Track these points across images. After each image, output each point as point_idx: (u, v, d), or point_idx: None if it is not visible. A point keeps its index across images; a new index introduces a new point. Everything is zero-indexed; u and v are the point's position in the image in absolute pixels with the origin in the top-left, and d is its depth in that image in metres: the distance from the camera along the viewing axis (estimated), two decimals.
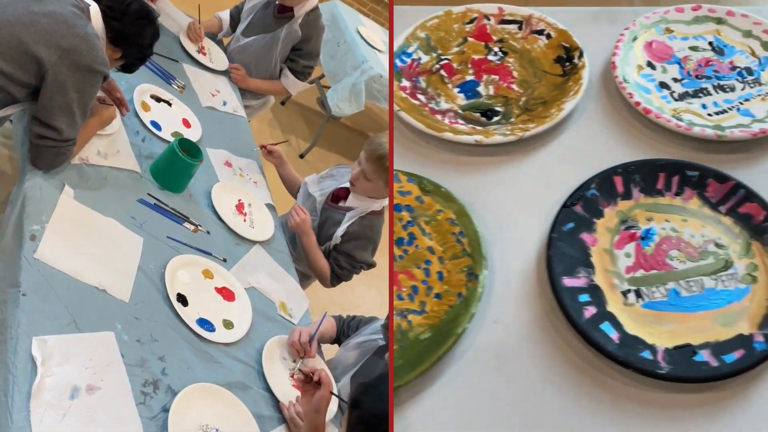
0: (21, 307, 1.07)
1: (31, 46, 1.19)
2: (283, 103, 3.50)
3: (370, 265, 1.73)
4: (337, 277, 1.73)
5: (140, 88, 1.70)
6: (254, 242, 1.63)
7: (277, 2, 2.08)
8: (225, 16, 2.26)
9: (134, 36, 1.39)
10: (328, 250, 1.72)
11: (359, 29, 3.32)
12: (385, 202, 1.67)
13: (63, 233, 1.23)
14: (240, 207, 1.69)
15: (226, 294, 1.43)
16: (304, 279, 1.74)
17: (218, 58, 2.14)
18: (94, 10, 1.33)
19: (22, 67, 1.20)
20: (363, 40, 3.27)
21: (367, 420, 0.94)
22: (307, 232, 1.68)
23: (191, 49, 2.06)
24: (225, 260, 1.51)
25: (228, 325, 1.37)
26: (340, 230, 1.68)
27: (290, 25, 2.07)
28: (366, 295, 2.72)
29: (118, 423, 1.05)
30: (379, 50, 3.30)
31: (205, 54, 2.10)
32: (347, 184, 1.70)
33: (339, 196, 1.71)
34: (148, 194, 1.47)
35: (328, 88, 3.24)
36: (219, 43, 2.24)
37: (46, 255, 1.17)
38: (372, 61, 3.10)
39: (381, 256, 1.56)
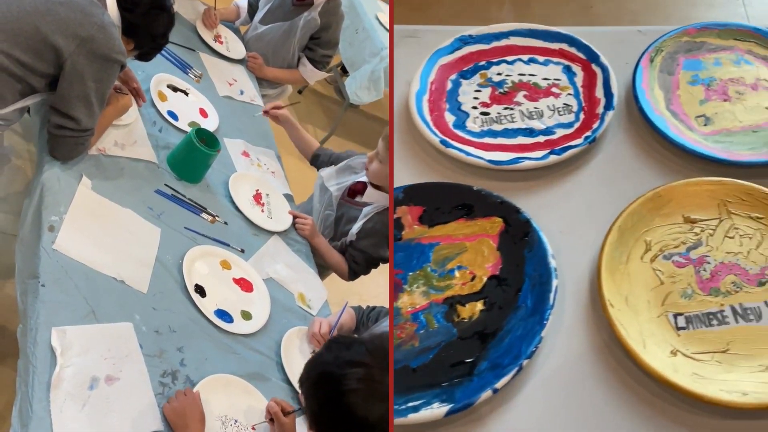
0: (40, 297, 1.08)
1: (49, 35, 1.18)
2: (300, 92, 3.48)
3: (386, 261, 1.71)
4: (354, 272, 1.72)
5: (157, 77, 1.69)
6: (272, 233, 1.62)
7: None
8: (243, 3, 2.24)
9: (146, 26, 1.37)
10: (344, 245, 1.70)
11: (378, 15, 3.27)
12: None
13: (81, 224, 1.23)
14: (258, 197, 1.67)
15: (244, 285, 1.43)
16: (321, 270, 1.73)
17: (235, 47, 2.13)
18: None
19: (41, 57, 1.19)
20: (382, 26, 3.22)
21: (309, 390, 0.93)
22: (316, 234, 1.68)
23: (208, 37, 2.04)
24: (243, 251, 1.50)
25: (246, 316, 1.36)
26: (356, 227, 1.65)
27: (309, 13, 2.04)
28: (385, 284, 2.70)
29: (137, 413, 1.05)
30: None
31: (222, 43, 2.09)
32: (364, 178, 1.67)
33: (356, 190, 1.69)
34: (166, 185, 1.47)
35: (347, 75, 3.21)
36: (236, 31, 2.23)
37: (64, 246, 1.17)
38: None
39: None
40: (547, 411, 0.84)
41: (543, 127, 1.11)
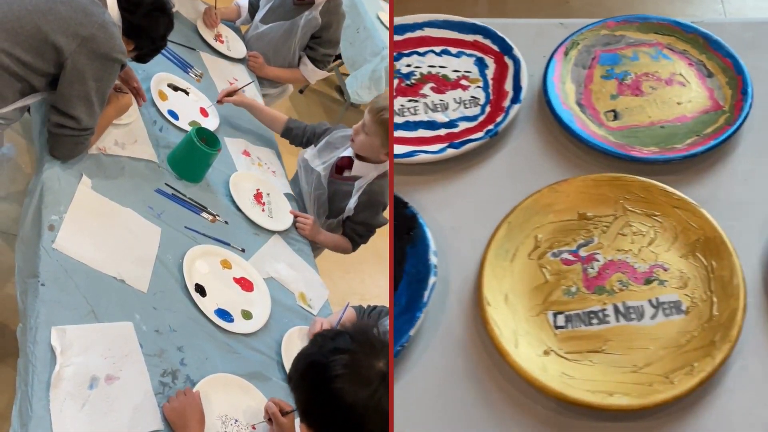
0: (40, 297, 1.07)
1: (50, 34, 1.18)
2: (301, 92, 3.48)
3: (383, 225, 1.77)
4: (356, 244, 1.78)
5: (157, 77, 1.69)
6: (273, 232, 1.61)
7: None
8: (244, 3, 2.23)
9: (147, 28, 1.38)
10: (341, 221, 1.75)
11: (379, 14, 3.27)
12: (386, 166, 1.67)
13: (81, 223, 1.23)
14: (258, 196, 1.67)
15: (245, 284, 1.42)
16: (314, 248, 1.74)
17: (236, 47, 2.13)
18: None
19: (41, 55, 1.19)
20: (383, 25, 3.22)
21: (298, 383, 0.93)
22: (318, 232, 1.70)
23: (208, 37, 2.04)
24: (243, 250, 1.50)
25: (247, 315, 1.36)
26: (352, 202, 1.68)
27: (310, 12, 2.04)
28: (385, 284, 2.70)
29: (137, 413, 1.05)
30: None
31: (222, 42, 2.08)
32: (348, 152, 1.68)
33: (342, 166, 1.70)
34: (166, 184, 1.47)
35: (347, 75, 3.21)
36: (237, 30, 2.22)
37: (64, 245, 1.17)
38: None
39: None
40: (417, 409, 0.83)
41: (446, 120, 1.09)
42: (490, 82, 1.13)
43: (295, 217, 1.69)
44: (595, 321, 0.87)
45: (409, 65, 1.16)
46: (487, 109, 1.10)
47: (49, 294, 1.09)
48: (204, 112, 1.76)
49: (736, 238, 0.92)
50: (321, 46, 2.11)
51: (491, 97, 1.11)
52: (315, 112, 3.48)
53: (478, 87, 1.13)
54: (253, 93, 2.04)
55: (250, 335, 1.33)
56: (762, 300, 0.90)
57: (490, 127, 1.06)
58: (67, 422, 0.97)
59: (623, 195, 0.96)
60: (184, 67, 1.84)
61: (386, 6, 3.47)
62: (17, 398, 1.00)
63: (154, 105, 1.62)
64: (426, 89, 1.13)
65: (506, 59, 1.14)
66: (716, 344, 0.82)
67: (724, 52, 1.13)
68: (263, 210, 1.65)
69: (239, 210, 1.59)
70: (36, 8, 1.19)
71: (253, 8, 2.22)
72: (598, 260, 0.92)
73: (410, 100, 1.12)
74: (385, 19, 3.27)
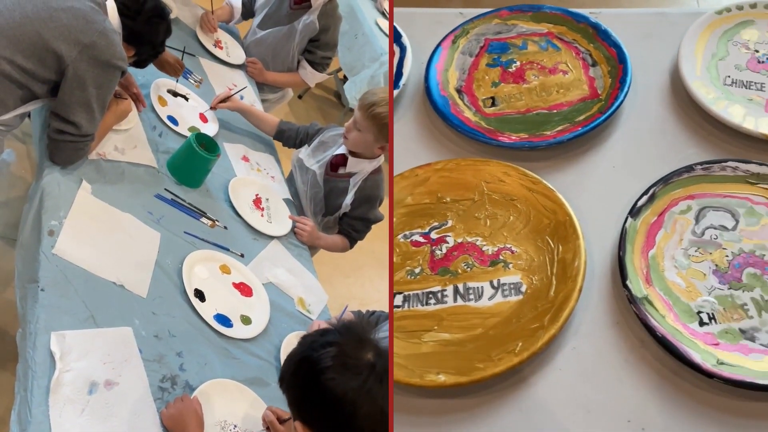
0: (40, 302, 1.08)
1: (51, 41, 1.19)
2: (300, 97, 3.49)
3: (380, 220, 1.78)
4: (354, 240, 1.78)
5: (157, 82, 1.70)
6: (272, 237, 1.62)
7: None
8: (237, 2, 2.22)
9: (148, 34, 1.39)
10: (338, 218, 1.76)
11: (377, 21, 3.28)
12: (381, 160, 1.69)
13: (81, 228, 1.23)
14: (257, 202, 1.68)
15: (244, 289, 1.43)
16: (310, 248, 1.74)
17: (235, 52, 2.13)
18: (111, 6, 1.33)
19: (43, 63, 1.20)
20: (381, 31, 3.23)
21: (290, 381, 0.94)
22: (317, 237, 1.71)
23: (208, 43, 2.05)
24: (242, 255, 1.50)
25: (246, 320, 1.36)
26: (349, 198, 1.69)
27: (308, 17, 2.04)
28: (385, 288, 2.70)
29: (136, 418, 1.05)
30: None
31: (221, 48, 2.09)
32: (341, 150, 1.69)
33: (337, 163, 1.71)
34: (165, 189, 1.47)
35: (345, 80, 3.22)
36: (236, 36, 2.23)
37: (64, 250, 1.17)
38: None
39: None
40: None
41: None
42: None
43: (294, 222, 1.69)
44: (432, 301, 0.90)
45: None
46: None
47: (49, 299, 1.09)
48: (203, 118, 1.77)
49: (593, 223, 0.96)
50: (319, 49, 2.12)
51: None
52: (314, 117, 3.49)
53: None
54: (252, 99, 2.04)
55: (250, 340, 1.33)
56: (604, 284, 0.93)
57: None
58: (66, 427, 0.97)
59: (484, 179, 0.99)
60: (184, 73, 1.85)
61: (386, 12, 3.48)
62: (16, 403, 1.00)
63: (154, 111, 1.63)
64: None
65: (395, 46, 1.19)
66: (545, 325, 0.85)
67: (610, 42, 1.16)
68: (262, 215, 1.65)
69: (238, 215, 1.59)
70: (37, 16, 1.20)
71: (246, 9, 2.21)
72: (447, 242, 0.94)
73: None
74: (384, 25, 3.29)
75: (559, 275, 0.89)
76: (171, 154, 1.55)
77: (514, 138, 1.04)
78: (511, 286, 0.89)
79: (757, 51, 1.14)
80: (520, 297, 0.88)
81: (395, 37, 1.19)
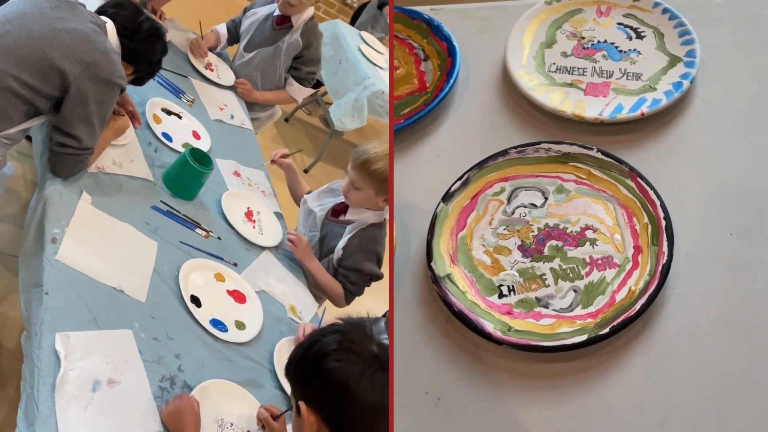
0: (44, 305, 1.12)
1: (56, 60, 1.26)
2: (287, 120, 3.58)
3: (378, 277, 1.73)
4: (350, 293, 1.73)
5: (151, 101, 1.77)
6: (263, 248, 1.68)
7: (275, 15, 2.16)
8: (222, 29, 2.30)
9: (145, 53, 1.46)
10: (331, 265, 1.72)
11: (360, 47, 3.41)
12: (385, 214, 1.67)
13: (82, 236, 1.28)
14: (249, 214, 1.74)
15: (238, 296, 1.48)
16: (316, 295, 1.72)
17: (225, 74, 2.22)
18: (110, 27, 1.40)
19: (47, 80, 1.26)
20: (365, 57, 3.35)
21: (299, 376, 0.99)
22: (309, 254, 1.69)
23: (199, 65, 2.13)
24: (236, 264, 1.56)
25: (240, 326, 1.42)
26: (342, 242, 1.68)
27: (291, 36, 2.15)
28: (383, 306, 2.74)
29: (138, 415, 1.09)
30: (380, 67, 3.38)
31: (212, 70, 2.17)
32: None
33: (339, 210, 1.72)
34: (161, 201, 1.53)
35: (330, 104, 3.32)
36: (226, 59, 2.32)
37: (66, 257, 1.22)
38: (374, 78, 3.18)
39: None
40: None
41: None
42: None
43: (288, 236, 1.69)
44: None
45: None
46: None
47: (53, 302, 1.14)
48: (196, 135, 1.83)
49: (414, 211, 1.04)
50: (304, 65, 2.21)
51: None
52: (300, 140, 3.58)
53: None
54: (242, 118, 2.12)
55: (244, 344, 1.38)
56: (416, 267, 1.02)
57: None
58: (71, 422, 1.01)
59: None
60: (177, 93, 1.93)
61: (368, 37, 3.61)
62: (23, 401, 1.04)
63: (149, 128, 1.70)
64: None
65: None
66: None
67: (441, 36, 1.21)
68: (254, 227, 1.71)
69: (231, 227, 1.65)
70: (43, 36, 1.27)
71: (231, 34, 2.29)
72: None
73: None
74: (367, 51, 3.40)
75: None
76: (166, 169, 1.61)
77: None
78: None
79: (582, 38, 1.19)
80: None
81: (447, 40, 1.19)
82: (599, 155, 1.04)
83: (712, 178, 1.01)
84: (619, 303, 0.90)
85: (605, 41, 1.18)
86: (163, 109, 1.80)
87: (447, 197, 1.03)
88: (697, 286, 0.92)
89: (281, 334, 1.49)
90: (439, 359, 0.92)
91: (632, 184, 1.00)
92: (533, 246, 0.97)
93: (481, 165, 1.06)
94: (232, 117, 2.07)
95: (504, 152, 1.06)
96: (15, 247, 1.80)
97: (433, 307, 0.98)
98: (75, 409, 1.03)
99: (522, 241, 0.98)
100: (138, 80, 1.53)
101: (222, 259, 1.54)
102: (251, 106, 2.22)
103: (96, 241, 1.30)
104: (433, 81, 1.14)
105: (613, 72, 1.15)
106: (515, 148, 1.06)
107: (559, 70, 1.16)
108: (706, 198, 0.99)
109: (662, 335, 0.89)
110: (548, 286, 0.93)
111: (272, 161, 1.86)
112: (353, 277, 1.69)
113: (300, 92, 2.26)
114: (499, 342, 0.89)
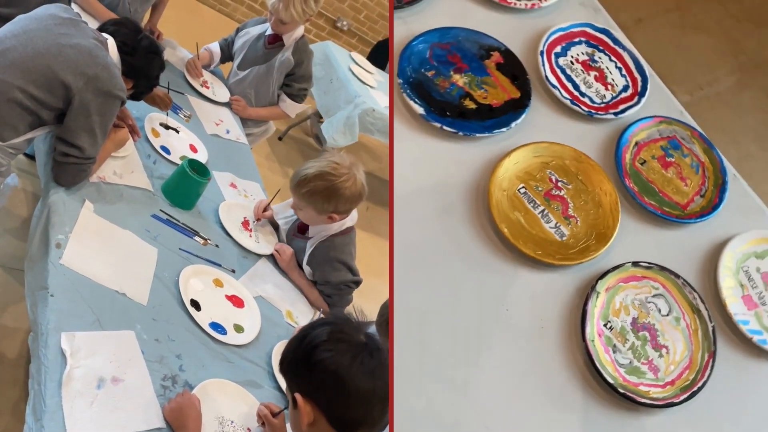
0: (50, 306, 1.16)
1: (60, 73, 1.31)
2: (280, 139, 3.64)
3: (356, 282, 1.73)
4: (332, 305, 1.73)
5: (150, 116, 1.82)
6: (260, 256, 1.72)
7: (267, 34, 2.24)
8: (215, 48, 2.36)
9: (144, 68, 1.53)
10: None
11: (350, 67, 3.50)
12: (349, 222, 1.70)
13: (85, 242, 1.32)
14: (245, 224, 1.78)
15: (236, 301, 1.52)
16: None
17: (220, 91, 2.28)
18: (111, 43, 1.46)
19: (52, 92, 1.32)
20: (355, 76, 3.44)
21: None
22: (292, 266, 1.71)
23: (195, 83, 2.20)
24: (233, 271, 1.60)
25: (239, 329, 1.45)
26: (304, 260, 1.71)
27: (283, 54, 2.22)
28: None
29: (141, 411, 1.13)
30: (370, 86, 3.47)
31: (208, 87, 2.24)
32: None
33: (303, 227, 1.74)
34: (161, 210, 1.57)
35: (322, 122, 3.39)
36: (221, 77, 2.39)
37: (70, 261, 1.26)
38: (364, 96, 3.26)
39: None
40: None
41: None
42: None
43: (275, 245, 1.75)
44: None
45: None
46: None
47: (58, 304, 1.17)
48: (193, 148, 1.89)
49: None
50: (296, 81, 2.28)
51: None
52: (293, 158, 3.64)
53: None
54: (237, 133, 2.18)
55: (243, 347, 1.42)
56: None
57: None
58: (77, 417, 1.04)
59: None
60: (174, 108, 1.98)
61: (358, 59, 3.70)
62: (30, 398, 1.07)
63: (148, 141, 1.75)
64: None
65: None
66: None
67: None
68: (251, 236, 1.76)
69: (228, 235, 1.69)
70: (47, 51, 1.33)
71: (224, 53, 2.36)
72: None
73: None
74: (357, 71, 3.49)
75: None
76: (165, 180, 1.66)
77: None
78: None
79: None
80: None
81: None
82: None
83: None
84: None
85: None
86: (161, 124, 1.86)
87: None
88: None
89: (278, 337, 1.53)
90: None
91: None
92: None
93: None
94: (228, 132, 2.13)
95: None
96: (15, 261, 1.83)
97: None
98: (81, 405, 1.06)
99: None
100: (137, 95, 1.59)
101: (220, 265, 1.58)
102: (245, 122, 2.28)
103: (98, 246, 1.35)
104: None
105: None
106: None
107: None
108: None
109: None
110: None
111: (257, 220, 1.80)
112: (327, 290, 1.71)
113: (293, 107, 2.33)
114: None
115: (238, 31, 2.36)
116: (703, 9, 3.12)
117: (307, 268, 1.72)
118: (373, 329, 1.57)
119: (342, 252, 1.70)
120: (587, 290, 0.99)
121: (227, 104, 2.26)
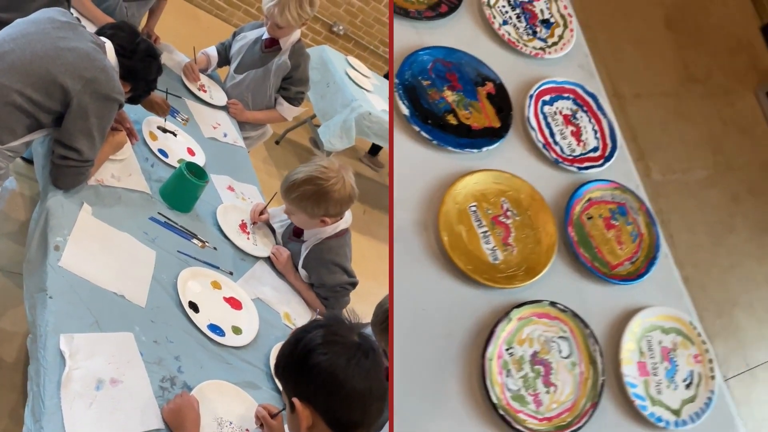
0: (49, 308, 1.17)
1: (59, 76, 1.32)
2: (277, 143, 3.65)
3: (352, 284, 1.74)
4: (329, 307, 1.73)
5: (148, 120, 1.83)
6: (258, 258, 1.72)
7: (264, 38, 2.25)
8: (212, 52, 2.37)
9: (142, 72, 1.54)
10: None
11: (347, 71, 3.51)
12: (343, 224, 1.71)
13: (84, 245, 1.33)
14: (243, 227, 1.79)
15: (234, 303, 1.52)
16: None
17: (217, 95, 2.29)
18: (109, 47, 1.47)
19: (50, 95, 1.32)
20: (351, 81, 3.45)
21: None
22: (289, 269, 1.72)
23: (192, 87, 2.21)
24: (231, 273, 1.60)
25: (237, 330, 1.46)
26: (300, 264, 1.72)
27: (280, 58, 2.23)
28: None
29: (140, 412, 1.13)
30: (367, 90, 3.48)
31: (205, 91, 2.25)
32: None
33: (298, 231, 1.75)
34: (159, 213, 1.58)
35: (319, 126, 3.40)
36: (218, 81, 2.40)
37: (69, 263, 1.26)
38: (361, 100, 3.27)
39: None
40: None
41: None
42: None
43: (272, 248, 1.75)
44: None
45: None
46: None
47: (57, 305, 1.18)
48: (191, 152, 1.89)
49: None
50: (293, 85, 2.29)
51: None
52: (290, 162, 3.65)
53: None
54: (234, 137, 2.19)
55: (241, 348, 1.42)
56: None
57: None
58: (76, 418, 1.05)
59: None
60: (172, 112, 1.99)
61: (355, 63, 3.72)
62: (29, 400, 1.07)
63: (146, 144, 1.76)
64: None
65: None
66: None
67: None
68: (248, 238, 1.76)
69: (226, 238, 1.70)
70: (46, 54, 1.34)
71: (221, 57, 2.37)
72: None
73: None
74: (354, 75, 3.50)
75: None
76: (162, 183, 1.66)
77: None
78: None
79: None
80: None
81: None
82: None
83: None
84: None
85: None
86: (159, 127, 1.86)
87: None
88: None
89: (276, 339, 1.53)
90: None
91: None
92: None
93: None
94: (225, 135, 2.14)
95: None
96: (13, 265, 1.83)
97: None
98: (80, 406, 1.07)
99: None
100: (135, 98, 1.60)
101: (218, 268, 1.58)
102: (243, 125, 2.28)
103: (97, 249, 1.35)
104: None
105: None
106: None
107: None
108: None
109: None
110: None
111: (254, 223, 1.81)
112: (323, 292, 1.72)
113: (290, 111, 2.34)
114: None
115: (235, 35, 2.37)
116: (697, 104, 3.22)
117: (302, 271, 1.73)
118: (367, 330, 1.58)
119: (337, 254, 1.71)
120: (501, 314, 1.01)
121: (224, 108, 2.27)
